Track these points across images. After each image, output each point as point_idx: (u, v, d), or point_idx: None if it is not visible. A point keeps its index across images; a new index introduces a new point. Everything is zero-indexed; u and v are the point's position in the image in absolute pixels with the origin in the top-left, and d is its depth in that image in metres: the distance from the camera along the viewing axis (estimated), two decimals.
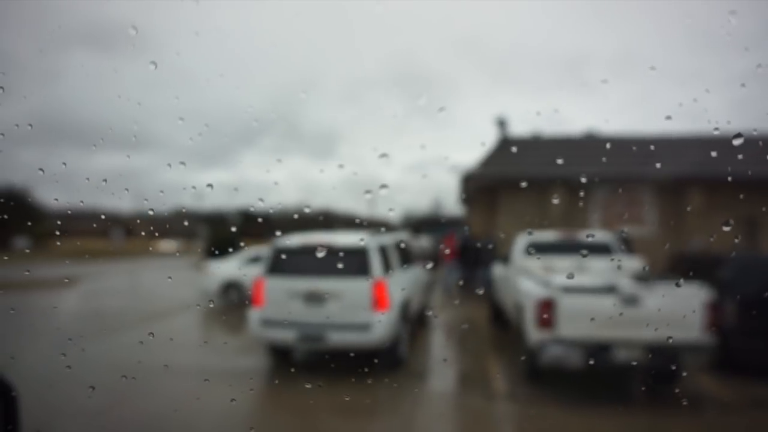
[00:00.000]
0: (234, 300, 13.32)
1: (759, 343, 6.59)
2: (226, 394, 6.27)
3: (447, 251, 17.19)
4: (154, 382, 6.76)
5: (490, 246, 15.32)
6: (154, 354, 8.55)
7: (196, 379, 7.05)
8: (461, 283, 17.24)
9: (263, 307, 7.03)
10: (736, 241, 16.41)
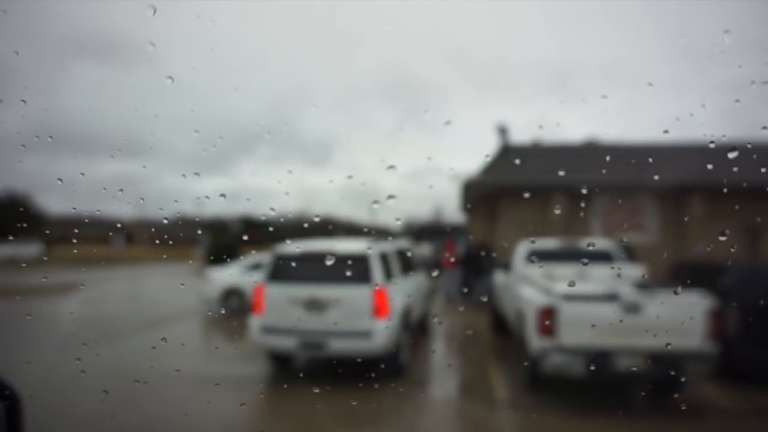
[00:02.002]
0: (235, 307, 13.31)
1: (760, 351, 6.57)
2: (226, 402, 6.27)
3: (448, 259, 17.19)
4: (155, 388, 6.75)
5: (490, 254, 15.31)
6: (155, 360, 8.53)
7: (198, 385, 7.03)
8: (465, 290, 17.22)
9: (264, 315, 7.02)
10: (733, 249, 16.41)
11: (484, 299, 14.67)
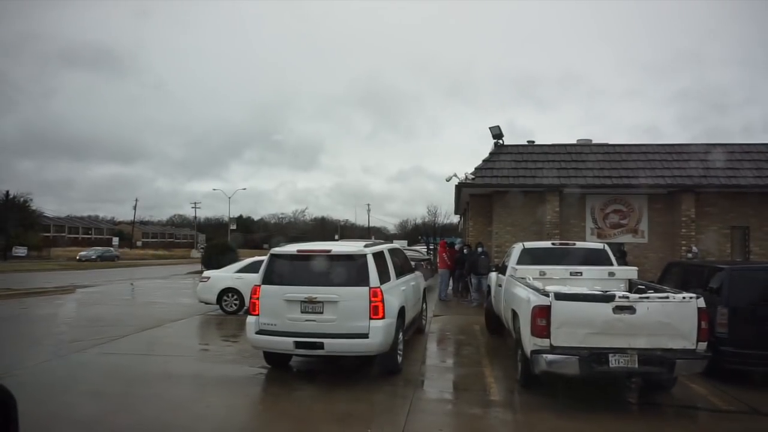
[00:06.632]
0: (232, 307, 13.35)
1: (748, 351, 6.67)
2: (222, 402, 6.33)
3: (443, 259, 17.27)
4: (151, 389, 6.79)
5: (484, 254, 15.39)
6: (153, 361, 8.57)
7: (195, 386, 7.08)
8: (450, 290, 17.31)
9: (260, 315, 7.06)
10: (728, 250, 16.55)
11: (474, 304, 14.77)
